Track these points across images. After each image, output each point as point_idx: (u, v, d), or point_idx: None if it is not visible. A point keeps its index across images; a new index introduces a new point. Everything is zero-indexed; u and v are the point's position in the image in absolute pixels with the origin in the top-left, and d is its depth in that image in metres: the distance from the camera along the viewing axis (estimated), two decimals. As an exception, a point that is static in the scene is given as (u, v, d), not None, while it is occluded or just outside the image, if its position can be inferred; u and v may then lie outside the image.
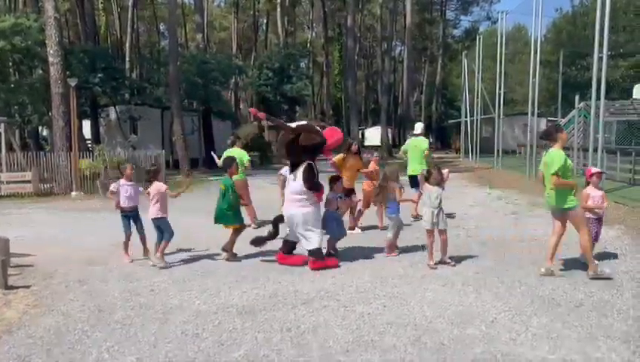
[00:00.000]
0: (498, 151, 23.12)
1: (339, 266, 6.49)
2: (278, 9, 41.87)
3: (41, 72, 22.62)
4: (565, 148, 6.25)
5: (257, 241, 6.91)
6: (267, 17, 52.87)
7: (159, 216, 6.73)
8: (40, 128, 27.72)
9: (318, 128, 6.71)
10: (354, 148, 8.98)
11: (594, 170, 6.80)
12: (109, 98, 25.81)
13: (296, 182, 6.53)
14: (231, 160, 7.36)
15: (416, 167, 10.09)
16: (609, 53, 12.91)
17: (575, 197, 5.93)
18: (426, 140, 10.70)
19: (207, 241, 7.80)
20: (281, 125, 6.91)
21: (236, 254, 6.97)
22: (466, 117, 32.16)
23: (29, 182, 14.97)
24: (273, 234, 6.90)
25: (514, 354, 3.92)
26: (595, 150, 12.86)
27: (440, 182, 6.47)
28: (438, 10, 53.69)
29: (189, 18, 47.12)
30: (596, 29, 12.59)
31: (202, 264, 6.79)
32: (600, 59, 12.47)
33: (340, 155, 8.90)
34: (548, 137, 6.14)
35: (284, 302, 5.17)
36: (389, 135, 44.22)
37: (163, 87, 28.91)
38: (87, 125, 26.06)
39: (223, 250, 6.98)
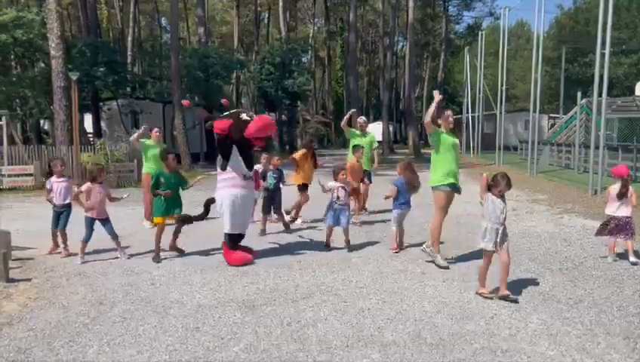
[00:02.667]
0: (499, 147, 23.11)
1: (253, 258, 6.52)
2: (280, 3, 41.69)
3: (42, 65, 22.63)
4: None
5: (184, 218, 6.93)
6: (269, 12, 52.71)
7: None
8: (41, 121, 27.71)
9: (246, 118, 6.52)
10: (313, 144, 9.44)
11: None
12: (111, 92, 25.78)
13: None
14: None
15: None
16: (611, 49, 12.86)
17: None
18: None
19: (206, 236, 7.81)
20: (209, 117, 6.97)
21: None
22: (467, 113, 32.13)
23: (30, 175, 14.99)
24: (204, 215, 6.98)
25: (513, 350, 3.93)
26: (597, 147, 12.85)
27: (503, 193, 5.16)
28: (441, 5, 53.50)
29: (191, 12, 47.01)
30: (599, 25, 12.56)
31: (202, 258, 6.80)
32: (602, 55, 12.44)
33: (301, 152, 9.27)
34: None
35: (284, 297, 5.18)
36: (391, 130, 44.15)
37: (165, 81, 28.89)
38: (88, 119, 26.05)
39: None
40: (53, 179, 7.05)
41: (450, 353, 3.90)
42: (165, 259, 6.71)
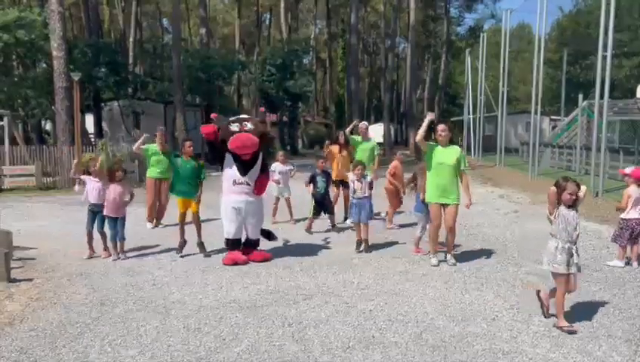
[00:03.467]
0: (500, 149, 23.08)
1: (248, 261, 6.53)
2: (282, 5, 41.72)
3: (44, 65, 22.66)
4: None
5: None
6: (270, 13, 52.77)
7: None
8: (43, 122, 27.75)
9: (234, 129, 6.55)
10: (341, 139, 9.23)
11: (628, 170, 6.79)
12: (112, 92, 25.79)
13: None
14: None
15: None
16: (613, 52, 12.85)
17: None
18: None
19: (208, 236, 7.80)
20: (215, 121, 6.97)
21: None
22: (469, 115, 32.11)
23: (32, 175, 14.99)
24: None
25: (515, 352, 3.93)
26: (599, 149, 12.84)
27: (575, 202, 4.45)
28: (442, 7, 53.48)
29: (193, 13, 47.05)
30: (600, 27, 12.54)
31: (204, 259, 6.80)
32: (604, 58, 12.43)
33: (329, 147, 9.24)
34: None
35: (285, 298, 5.18)
36: (392, 132, 44.14)
37: (166, 81, 28.92)
38: (90, 119, 26.04)
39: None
40: (90, 177, 6.99)
41: (451, 355, 3.90)
42: (167, 259, 6.71)
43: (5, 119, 16.40)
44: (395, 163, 9.09)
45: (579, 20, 39.63)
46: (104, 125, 26.64)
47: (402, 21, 48.52)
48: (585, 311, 4.81)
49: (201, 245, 7.04)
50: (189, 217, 7.05)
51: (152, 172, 9.13)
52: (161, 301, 5.11)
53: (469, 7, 55.58)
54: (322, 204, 8.38)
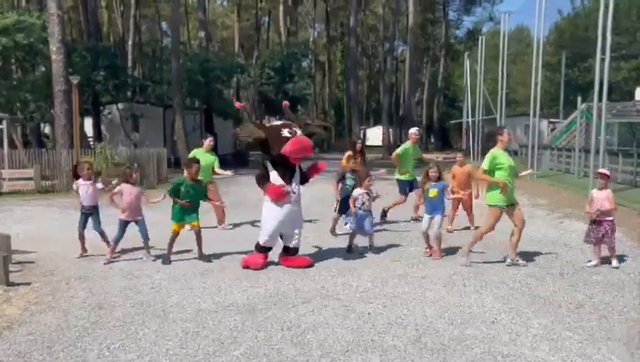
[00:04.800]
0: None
1: (265, 267, 6.41)
2: (281, 8, 41.84)
3: (43, 69, 22.68)
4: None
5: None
6: (269, 16, 52.85)
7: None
8: (42, 125, 27.75)
9: (286, 135, 6.38)
10: (358, 146, 9.07)
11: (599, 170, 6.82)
12: (111, 96, 25.81)
13: None
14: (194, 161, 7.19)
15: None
16: (611, 55, 12.88)
17: (500, 196, 6.19)
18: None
19: (207, 240, 7.79)
20: (257, 124, 6.89)
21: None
22: (467, 117, 32.15)
23: (30, 179, 14.97)
24: None
25: (514, 355, 3.92)
26: (597, 152, 12.86)
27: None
28: (441, 10, 53.62)
29: (192, 16, 47.12)
30: (599, 30, 12.59)
31: (203, 262, 6.78)
32: (602, 60, 12.46)
33: (347, 154, 8.95)
34: (489, 140, 6.35)
35: (284, 301, 5.17)
36: (391, 135, 44.17)
37: (165, 85, 28.94)
38: (88, 123, 26.04)
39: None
40: (80, 181, 7.05)
41: (450, 358, 3.89)
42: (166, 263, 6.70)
43: (4, 122, 16.40)
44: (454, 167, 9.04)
45: (577, 23, 39.71)
46: (103, 129, 26.64)
47: (401, 24, 48.62)
48: (584, 313, 4.80)
49: (203, 256, 6.92)
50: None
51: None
52: (159, 304, 5.10)
53: (468, 10, 55.79)
54: (347, 203, 8.33)
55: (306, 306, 5.02)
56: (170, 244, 6.80)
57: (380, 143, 38.22)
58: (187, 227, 6.96)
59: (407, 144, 9.64)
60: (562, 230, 9.04)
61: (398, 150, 9.70)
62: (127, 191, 6.77)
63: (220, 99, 28.03)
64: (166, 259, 6.71)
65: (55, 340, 4.26)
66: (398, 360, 3.86)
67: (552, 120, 32.37)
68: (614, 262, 6.40)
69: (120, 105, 25.73)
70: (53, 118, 18.53)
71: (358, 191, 7.24)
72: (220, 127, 27.84)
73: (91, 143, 22.67)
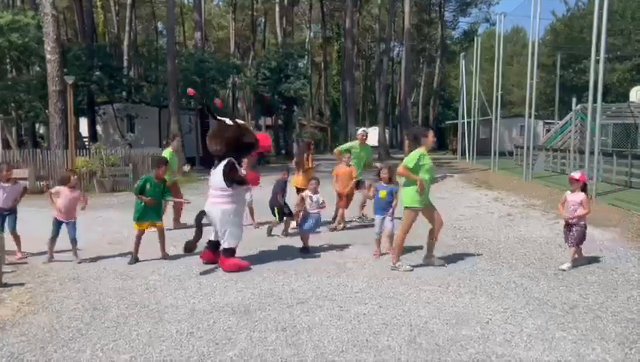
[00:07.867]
0: (495, 152, 23.17)
1: (250, 268, 6.37)
2: (277, 8, 41.77)
3: (38, 69, 22.57)
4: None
5: (188, 248, 6.73)
6: (265, 17, 52.85)
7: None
8: (37, 125, 27.66)
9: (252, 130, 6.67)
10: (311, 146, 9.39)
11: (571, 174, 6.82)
12: (107, 96, 25.74)
13: (216, 177, 6.44)
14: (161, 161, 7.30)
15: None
16: (606, 56, 12.94)
17: (416, 197, 6.16)
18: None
19: (201, 240, 7.77)
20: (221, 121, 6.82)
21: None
22: (463, 118, 32.22)
23: (25, 179, 14.90)
24: (198, 234, 6.75)
25: (508, 355, 3.93)
26: (592, 153, 12.91)
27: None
28: (437, 11, 53.76)
29: (188, 17, 47.09)
30: (593, 32, 12.64)
31: (197, 263, 6.76)
32: (597, 62, 12.51)
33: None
34: (415, 141, 6.40)
35: (279, 302, 5.16)
36: (387, 135, 44.22)
37: (161, 85, 28.90)
38: (84, 123, 26.00)
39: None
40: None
41: (445, 358, 3.89)
42: (160, 263, 6.68)
43: (-2, 123, 16.33)
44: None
45: (572, 24, 39.88)
46: (98, 129, 26.57)
47: (397, 25, 48.71)
48: (578, 313, 4.82)
49: (167, 256, 6.96)
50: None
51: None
52: (154, 305, 5.08)
53: (464, 11, 55.98)
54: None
55: (300, 307, 5.01)
56: (137, 243, 6.84)
57: (377, 144, 38.21)
58: (152, 229, 6.97)
59: (355, 143, 9.68)
60: (557, 231, 9.04)
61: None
62: (64, 193, 6.87)
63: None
64: (132, 259, 6.77)
65: (48, 341, 4.23)
66: (393, 361, 3.85)
67: (547, 121, 32.48)
68: (565, 265, 6.37)
69: (115, 106, 25.67)
70: (47, 118, 18.46)
71: (306, 193, 7.34)
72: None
73: (86, 143, 22.58)
